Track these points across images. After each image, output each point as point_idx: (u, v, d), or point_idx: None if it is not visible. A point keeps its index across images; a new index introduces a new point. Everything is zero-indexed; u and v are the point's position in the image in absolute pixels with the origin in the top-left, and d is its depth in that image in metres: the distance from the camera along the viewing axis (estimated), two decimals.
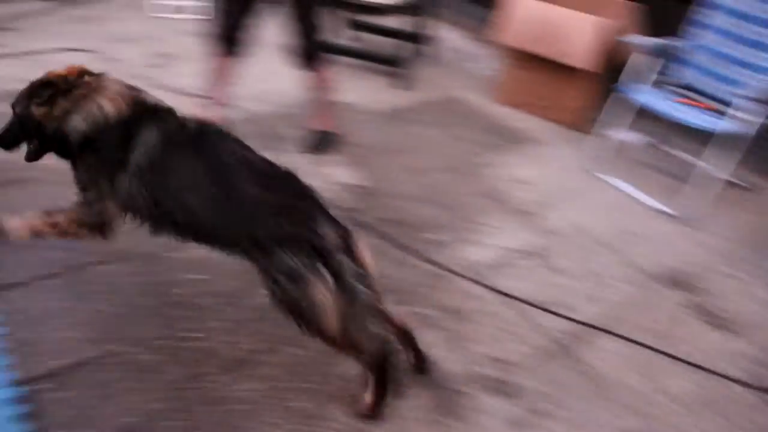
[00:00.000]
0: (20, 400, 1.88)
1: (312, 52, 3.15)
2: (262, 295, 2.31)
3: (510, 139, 3.84)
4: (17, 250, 2.44)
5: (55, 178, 2.85)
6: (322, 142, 3.37)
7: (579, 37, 3.72)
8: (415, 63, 4.41)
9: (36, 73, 3.92)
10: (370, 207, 3.00)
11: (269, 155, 1.93)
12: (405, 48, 4.33)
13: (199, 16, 4.90)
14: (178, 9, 4.93)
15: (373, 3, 4.19)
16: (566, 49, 3.79)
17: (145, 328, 2.19)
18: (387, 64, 4.31)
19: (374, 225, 2.86)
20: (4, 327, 2.12)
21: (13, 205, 2.68)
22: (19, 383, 1.94)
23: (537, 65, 3.97)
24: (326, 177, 3.17)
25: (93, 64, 4.03)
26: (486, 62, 4.80)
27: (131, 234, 2.58)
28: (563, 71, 3.87)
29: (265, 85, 3.93)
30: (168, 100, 3.62)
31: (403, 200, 3.09)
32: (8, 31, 4.43)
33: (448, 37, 5.29)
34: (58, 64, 4.08)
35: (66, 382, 1.97)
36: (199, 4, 4.93)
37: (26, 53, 4.07)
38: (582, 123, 3.97)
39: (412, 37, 4.42)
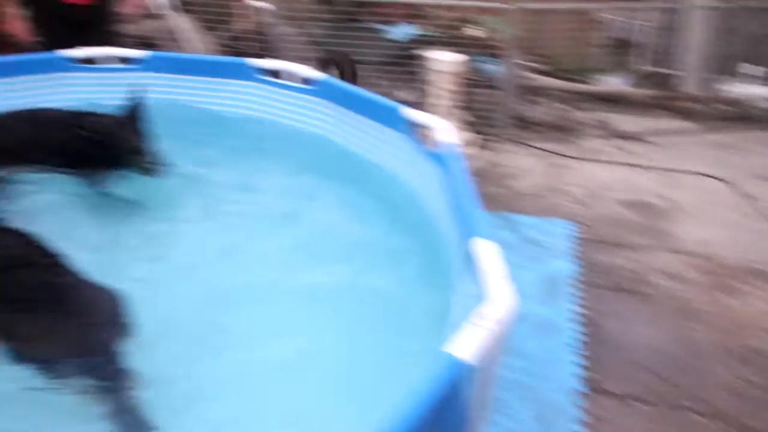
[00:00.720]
0: None
1: None
2: None
3: None
4: (619, 356, 2.49)
5: (670, 304, 2.85)
6: None
7: None
8: None
9: (664, 189, 3.95)
10: None
11: None
12: None
13: None
14: None
15: None
16: None
17: None
18: None
19: None
20: (588, 430, 2.16)
21: (619, 311, 2.77)
22: None
23: None
24: None
25: (720, 194, 3.92)
26: None
27: None
28: None
29: None
30: None
31: None
32: (646, 144, 4.73)
33: None
34: (688, 186, 4.11)
35: None
36: None
37: (660, 168, 4.25)
38: None
39: None
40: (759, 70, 5.52)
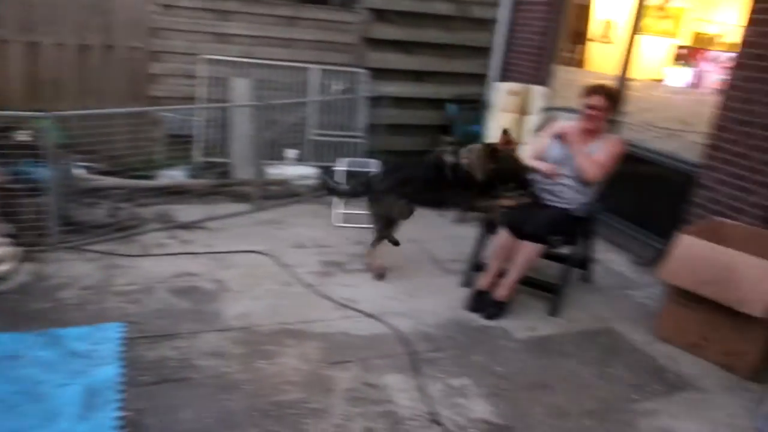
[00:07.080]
0: None
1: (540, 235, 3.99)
2: None
3: (668, 382, 3.48)
4: None
5: (212, 382, 3.06)
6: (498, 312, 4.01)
7: (759, 284, 3.42)
8: (572, 288, 4.30)
9: (214, 271, 4.19)
10: None
11: None
12: (569, 273, 4.18)
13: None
14: (358, 219, 5.25)
15: None
16: (742, 296, 3.48)
17: None
18: (545, 290, 4.21)
19: None
20: None
21: (161, 404, 2.87)
22: None
23: (705, 306, 3.67)
24: (460, 409, 3.06)
25: (264, 267, 4.37)
26: (649, 292, 4.55)
27: None
28: (737, 316, 3.53)
29: None
30: (323, 308, 3.68)
31: None
32: (204, 231, 5.02)
33: (612, 260, 5.16)
34: (237, 265, 4.46)
35: None
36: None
37: (212, 252, 4.58)
38: (757, 373, 3.53)
39: (579, 263, 4.41)
40: (295, 153, 6.49)
